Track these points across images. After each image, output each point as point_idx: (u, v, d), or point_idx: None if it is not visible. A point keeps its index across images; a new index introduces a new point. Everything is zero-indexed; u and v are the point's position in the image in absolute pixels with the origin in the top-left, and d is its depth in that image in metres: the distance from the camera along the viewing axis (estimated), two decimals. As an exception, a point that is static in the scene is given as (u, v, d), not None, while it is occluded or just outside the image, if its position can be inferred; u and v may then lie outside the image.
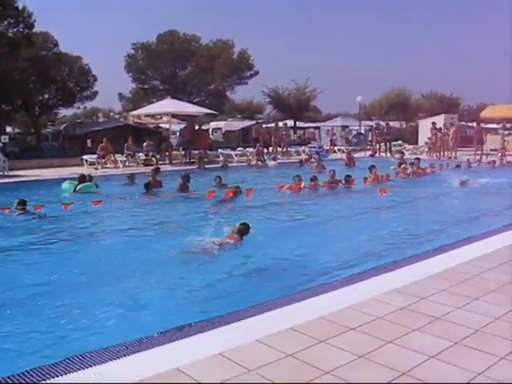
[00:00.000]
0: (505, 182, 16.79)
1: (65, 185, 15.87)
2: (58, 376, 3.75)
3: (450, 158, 27.90)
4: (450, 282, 5.79)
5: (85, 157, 23.89)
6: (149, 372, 3.73)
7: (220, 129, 41.60)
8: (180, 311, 5.69)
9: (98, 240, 9.69)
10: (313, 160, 23.32)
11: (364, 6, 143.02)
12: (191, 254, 7.97)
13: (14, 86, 28.58)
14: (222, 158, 25.90)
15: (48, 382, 3.69)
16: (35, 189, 16.09)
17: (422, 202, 14.54)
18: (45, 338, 5.07)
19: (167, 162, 25.64)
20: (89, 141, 28.16)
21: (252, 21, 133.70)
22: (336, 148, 35.08)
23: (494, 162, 23.90)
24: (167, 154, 26.26)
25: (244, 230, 8.74)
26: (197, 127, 29.34)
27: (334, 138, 38.31)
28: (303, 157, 28.04)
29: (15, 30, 28.73)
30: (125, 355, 4.04)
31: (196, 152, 26.38)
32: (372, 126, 36.06)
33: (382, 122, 34.58)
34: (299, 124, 49.00)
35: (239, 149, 30.68)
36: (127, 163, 24.35)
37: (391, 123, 35.79)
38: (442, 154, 29.05)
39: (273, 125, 34.48)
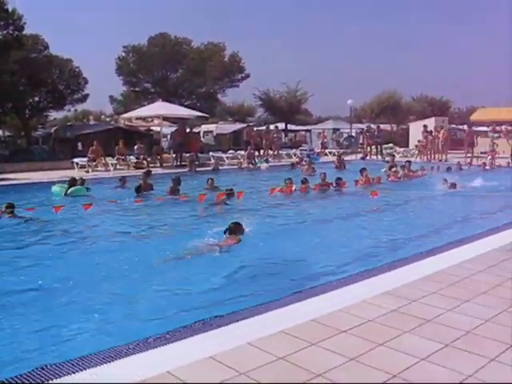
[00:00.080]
0: (495, 184, 16.87)
1: (55, 188, 15.77)
2: (53, 378, 3.75)
3: (440, 160, 28.04)
4: (441, 284, 5.82)
5: (75, 160, 23.78)
6: (140, 375, 3.72)
7: (211, 132, 41.57)
8: (172, 314, 5.67)
9: (89, 243, 9.65)
10: (303, 163, 23.36)
11: (357, 7, 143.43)
12: (183, 257, 7.98)
13: (4, 89, 28.41)
14: (213, 161, 25.87)
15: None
16: (25, 192, 16.01)
17: (412, 204, 14.59)
18: (32, 343, 5.05)
19: (158, 164, 25.58)
20: (79, 144, 28.09)
21: (243, 23, 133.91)
22: (327, 151, 35.15)
23: (485, 164, 24.04)
24: (158, 156, 26.21)
25: (238, 229, 8.77)
26: (188, 130, 29.27)
27: (325, 140, 38.36)
28: (294, 160, 28.07)
29: (5, 32, 28.53)
30: (116, 358, 4.03)
31: (187, 155, 26.36)
32: (363, 129, 36.11)
33: (372, 125, 34.65)
34: (290, 127, 48.98)
35: (230, 152, 30.65)
36: (118, 166, 24.27)
37: (382, 126, 35.85)
38: (432, 156, 29.19)
39: (264, 128, 34.46)
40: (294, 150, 33.77)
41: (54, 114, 44.27)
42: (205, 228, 9.97)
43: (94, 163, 23.41)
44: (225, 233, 8.71)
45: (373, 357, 4.02)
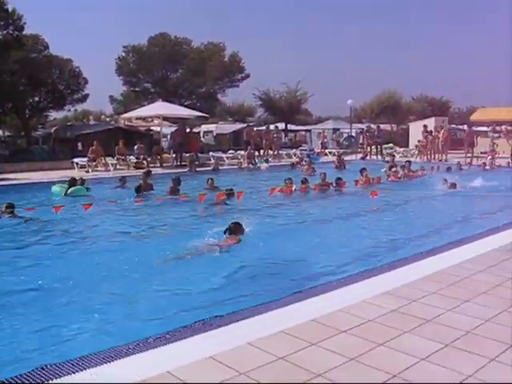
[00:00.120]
0: (495, 184, 16.87)
1: (55, 188, 15.77)
2: (53, 378, 3.75)
3: (440, 160, 28.04)
4: (441, 284, 5.82)
5: (75, 160, 23.78)
6: (140, 375, 3.72)
7: (211, 132, 41.57)
8: (172, 314, 5.67)
9: (89, 243, 9.65)
10: (303, 163, 23.35)
11: (356, 7, 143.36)
12: (183, 257, 7.98)
13: (4, 89, 28.41)
14: (213, 161, 25.86)
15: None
16: (25, 192, 16.01)
17: (412, 204, 14.59)
18: (32, 343, 5.06)
19: (158, 164, 25.58)
20: (79, 144, 28.09)
21: (243, 23, 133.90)
22: (327, 151, 35.14)
23: (485, 164, 24.04)
24: (158, 156, 26.21)
25: (238, 229, 8.78)
26: (188, 130, 29.27)
27: (325, 140, 38.36)
28: (294, 160, 28.07)
29: (5, 32, 28.54)
30: (116, 358, 4.03)
31: (187, 155, 26.35)
32: (363, 129, 36.11)
33: (372, 125, 34.64)
34: (290, 127, 48.98)
35: (230, 152, 30.65)
36: (118, 166, 24.27)
37: (382, 126, 35.86)
38: (432, 156, 29.19)
39: (264, 128, 34.46)
40: (294, 150, 33.77)
41: (54, 114, 44.36)
42: (205, 228, 9.96)
43: (94, 163, 23.41)
44: (225, 233, 8.71)
45: (373, 357, 4.02)
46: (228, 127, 42.77)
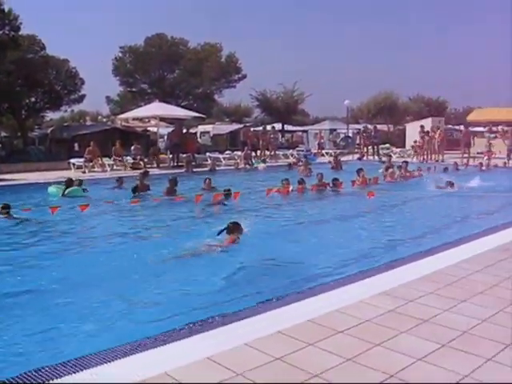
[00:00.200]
0: (491, 184, 16.90)
1: (51, 189, 15.75)
2: (53, 378, 3.76)
3: (437, 161, 28.09)
4: (438, 284, 5.82)
5: (72, 160, 23.77)
6: (137, 376, 3.71)
7: (208, 132, 41.55)
8: (170, 315, 5.66)
9: (85, 244, 9.65)
10: (300, 163, 23.36)
11: (355, 7, 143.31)
12: (181, 257, 7.97)
13: (0, 89, 28.39)
14: (209, 162, 25.85)
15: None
16: (21, 193, 15.98)
17: (409, 205, 14.59)
18: (28, 344, 5.05)
19: (155, 165, 25.56)
20: (76, 144, 28.06)
21: (240, 24, 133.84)
22: (324, 151, 35.16)
23: (481, 164, 24.08)
24: (155, 157, 26.20)
25: (236, 229, 8.77)
26: (185, 131, 29.27)
27: (322, 141, 38.42)
28: (292, 160, 28.08)
29: (1, 32, 28.52)
30: (113, 359, 4.02)
31: (184, 155, 26.34)
32: (360, 130, 36.18)
33: (369, 126, 34.66)
34: (287, 127, 49.05)
35: (227, 152, 30.65)
36: (115, 167, 24.26)
37: (379, 126, 35.96)
38: (429, 157, 29.25)
39: (261, 128, 34.48)
40: (290, 151, 33.80)
41: (51, 115, 44.24)
42: (202, 228, 9.97)
43: (91, 164, 23.39)
44: (219, 234, 8.68)
45: (370, 357, 4.02)
46: (225, 128, 42.78)
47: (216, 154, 29.04)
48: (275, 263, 7.94)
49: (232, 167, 25.65)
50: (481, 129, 38.92)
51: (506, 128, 33.70)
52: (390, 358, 4.02)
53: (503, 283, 5.88)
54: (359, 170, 17.73)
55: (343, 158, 27.73)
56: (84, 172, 22.45)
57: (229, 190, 13.74)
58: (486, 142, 29.31)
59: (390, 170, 19.57)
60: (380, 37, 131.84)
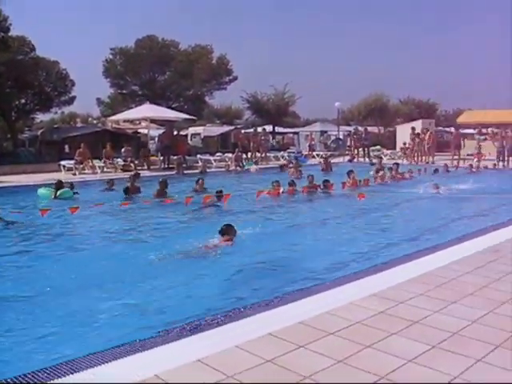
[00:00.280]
0: (481, 186, 16.97)
1: (41, 191, 15.67)
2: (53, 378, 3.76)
3: (427, 162, 28.19)
4: (428, 285, 5.84)
5: (62, 162, 23.70)
6: (126, 379, 3.70)
7: (199, 134, 41.50)
8: (159, 317, 5.65)
9: (76, 246, 9.60)
10: (290, 165, 23.38)
11: (347, 7, 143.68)
12: (171, 260, 7.96)
13: (-10, 91, 28.30)
14: (200, 164, 25.85)
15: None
16: (11, 195, 15.90)
17: (399, 207, 14.62)
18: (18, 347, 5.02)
19: (145, 167, 25.52)
20: (66, 146, 27.98)
21: (230, 25, 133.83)
22: (314, 153, 35.23)
23: (471, 166, 24.20)
24: (145, 159, 26.15)
25: (230, 230, 8.78)
26: (175, 133, 29.27)
27: (313, 143, 38.47)
28: (283, 162, 28.11)
29: (-10, 33, 28.45)
30: (101, 363, 4.00)
31: (175, 157, 26.31)
32: (350, 132, 36.28)
33: (360, 128, 34.81)
34: (278, 129, 49.11)
35: (218, 154, 30.66)
36: (105, 169, 24.19)
37: (369, 128, 36.04)
38: (419, 158, 29.36)
39: (252, 130, 34.50)
40: (281, 153, 33.83)
41: (41, 117, 44.01)
42: (193, 230, 9.95)
43: (81, 166, 23.32)
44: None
45: (360, 359, 4.03)
46: (216, 130, 42.74)
47: (207, 156, 29.04)
48: (265, 265, 7.91)
49: (223, 169, 25.64)
50: (471, 131, 39.18)
51: (495, 130, 33.95)
52: (380, 359, 4.03)
53: (493, 284, 5.91)
54: (350, 172, 17.76)
55: (334, 160, 27.81)
56: (74, 174, 22.38)
57: (221, 192, 13.73)
58: (476, 144, 29.43)
59: (381, 172, 19.62)
60: (374, 37, 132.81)
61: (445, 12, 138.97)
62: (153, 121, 32.56)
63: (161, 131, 30.71)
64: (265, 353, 4.10)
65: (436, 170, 22.13)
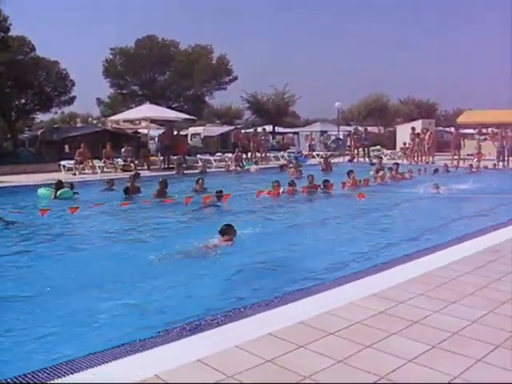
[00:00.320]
0: (481, 186, 16.97)
1: (41, 191, 15.66)
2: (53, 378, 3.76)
3: (427, 162, 28.19)
4: (428, 285, 5.83)
5: (62, 162, 23.70)
6: (126, 379, 3.70)
7: (199, 134, 41.50)
8: (159, 317, 5.65)
9: (76, 246, 9.59)
10: (290, 165, 23.37)
11: (346, 7, 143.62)
12: (171, 260, 7.96)
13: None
14: (200, 164, 25.84)
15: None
16: (11, 195, 15.90)
17: (399, 207, 14.61)
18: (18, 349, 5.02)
19: (145, 167, 25.51)
20: (66, 146, 27.98)
21: (231, 25, 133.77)
22: (314, 153, 35.23)
23: (471, 166, 24.20)
24: (145, 159, 26.14)
25: (230, 230, 8.77)
26: (175, 133, 29.26)
27: (313, 143, 38.46)
28: (283, 162, 28.11)
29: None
30: (101, 363, 4.00)
31: (175, 157, 26.30)
32: (350, 132, 36.28)
33: (360, 128, 34.79)
34: (278, 129, 49.10)
35: (218, 154, 30.65)
36: (105, 169, 24.18)
37: (369, 128, 36.04)
38: (419, 158, 29.36)
39: (251, 130, 34.49)
40: (281, 153, 33.82)
41: (41, 117, 44.02)
42: (193, 230, 9.95)
43: (81, 166, 23.31)
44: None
45: (360, 359, 4.03)
46: (216, 130, 42.73)
47: (207, 156, 29.03)
48: (265, 265, 7.91)
49: (223, 169, 25.63)
50: (471, 131, 39.16)
51: (495, 130, 33.94)
52: (380, 359, 4.02)
53: (493, 284, 5.91)
54: (350, 172, 17.75)
55: (334, 160, 27.80)
56: (74, 174, 22.38)
57: (221, 192, 13.73)
58: (476, 144, 29.43)
59: (381, 172, 19.61)
60: (374, 37, 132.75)
61: (445, 12, 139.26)
62: (153, 121, 32.56)
63: (161, 131, 30.71)
64: (265, 353, 4.10)
65: (436, 170, 22.13)
